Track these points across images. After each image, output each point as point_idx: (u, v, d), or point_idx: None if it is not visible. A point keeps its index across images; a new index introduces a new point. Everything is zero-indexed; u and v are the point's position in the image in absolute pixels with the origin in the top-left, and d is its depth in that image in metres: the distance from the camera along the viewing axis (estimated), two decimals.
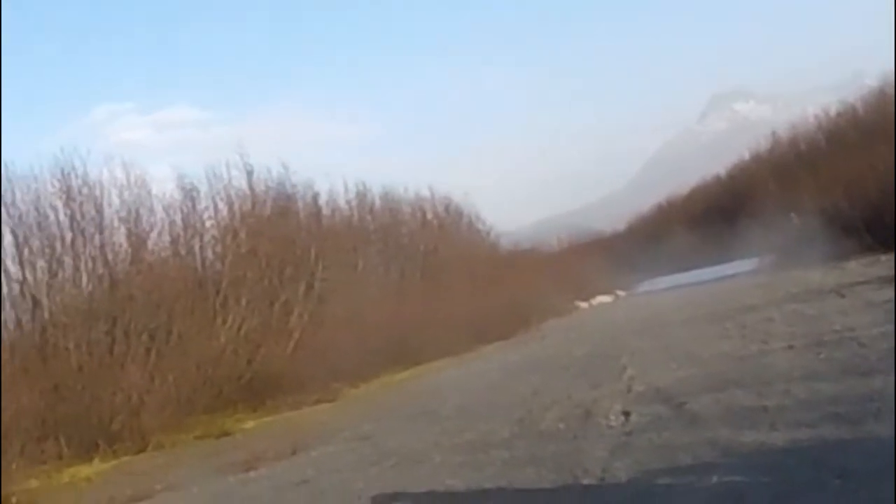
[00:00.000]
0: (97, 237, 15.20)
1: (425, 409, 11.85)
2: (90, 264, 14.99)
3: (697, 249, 45.22)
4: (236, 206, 18.74)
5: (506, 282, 27.87)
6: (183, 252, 17.22)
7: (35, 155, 16.26)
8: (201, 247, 17.70)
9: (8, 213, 14.31)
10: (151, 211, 16.40)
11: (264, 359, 16.31)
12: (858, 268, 19.58)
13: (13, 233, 14.34)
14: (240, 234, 18.12)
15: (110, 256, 15.31)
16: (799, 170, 36.36)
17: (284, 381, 15.80)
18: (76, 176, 15.00)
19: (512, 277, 29.07)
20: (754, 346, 11.02)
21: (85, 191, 15.09)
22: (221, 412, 14.76)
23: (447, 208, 30.92)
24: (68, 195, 14.91)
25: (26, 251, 14.34)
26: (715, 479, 5.34)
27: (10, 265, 14.25)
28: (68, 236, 14.81)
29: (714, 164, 67.31)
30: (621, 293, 39.93)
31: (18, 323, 14.13)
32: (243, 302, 16.91)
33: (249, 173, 19.16)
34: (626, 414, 8.12)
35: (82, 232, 14.96)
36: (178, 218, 17.23)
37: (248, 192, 19.14)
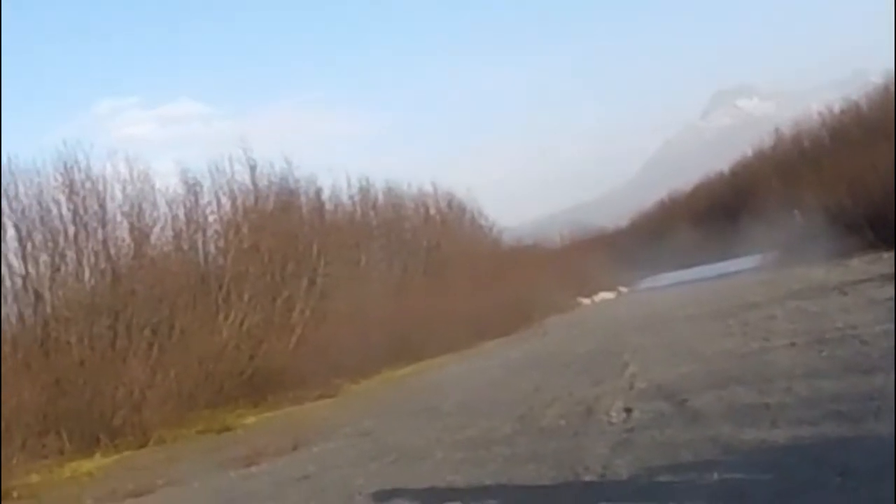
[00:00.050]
0: (100, 231, 15.25)
1: (427, 406, 11.87)
2: (93, 259, 15.03)
3: (700, 246, 45.12)
4: (239, 202, 18.77)
5: (508, 278, 27.85)
6: (185, 247, 17.25)
7: (38, 149, 16.39)
8: (204, 242, 17.74)
9: (11, 208, 14.37)
10: (154, 206, 16.48)
11: (266, 354, 16.35)
12: (861, 265, 19.52)
13: (16, 227, 14.40)
14: (242, 230, 18.13)
15: (113, 251, 15.35)
16: (802, 167, 36.31)
17: (286, 376, 15.83)
18: (79, 170, 15.08)
19: (514, 274, 29.04)
20: (756, 343, 11.00)
21: (88, 185, 15.15)
22: (223, 407, 14.79)
23: (450, 204, 30.93)
24: (71, 189, 14.95)
25: (29, 245, 14.38)
26: (716, 476, 5.34)
27: (13, 259, 14.32)
28: (71, 231, 14.85)
29: (717, 160, 67.24)
30: (623, 290, 39.92)
31: (21, 317, 14.17)
32: (245, 297, 16.94)
33: (252, 168, 19.22)
34: (628, 411, 8.12)
35: (85, 226, 15.00)
36: (181, 213, 17.30)
37: (251, 187, 19.19)
